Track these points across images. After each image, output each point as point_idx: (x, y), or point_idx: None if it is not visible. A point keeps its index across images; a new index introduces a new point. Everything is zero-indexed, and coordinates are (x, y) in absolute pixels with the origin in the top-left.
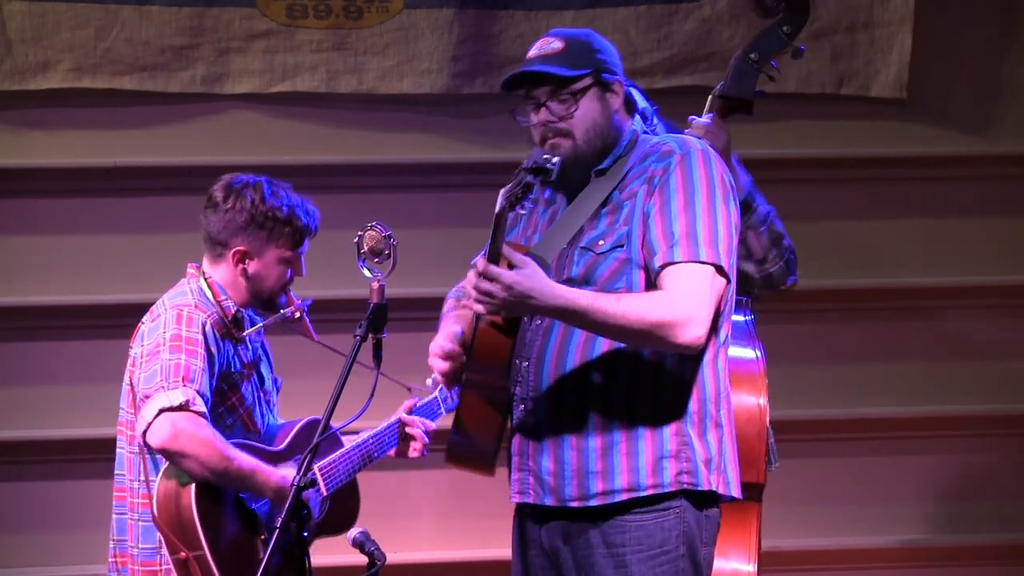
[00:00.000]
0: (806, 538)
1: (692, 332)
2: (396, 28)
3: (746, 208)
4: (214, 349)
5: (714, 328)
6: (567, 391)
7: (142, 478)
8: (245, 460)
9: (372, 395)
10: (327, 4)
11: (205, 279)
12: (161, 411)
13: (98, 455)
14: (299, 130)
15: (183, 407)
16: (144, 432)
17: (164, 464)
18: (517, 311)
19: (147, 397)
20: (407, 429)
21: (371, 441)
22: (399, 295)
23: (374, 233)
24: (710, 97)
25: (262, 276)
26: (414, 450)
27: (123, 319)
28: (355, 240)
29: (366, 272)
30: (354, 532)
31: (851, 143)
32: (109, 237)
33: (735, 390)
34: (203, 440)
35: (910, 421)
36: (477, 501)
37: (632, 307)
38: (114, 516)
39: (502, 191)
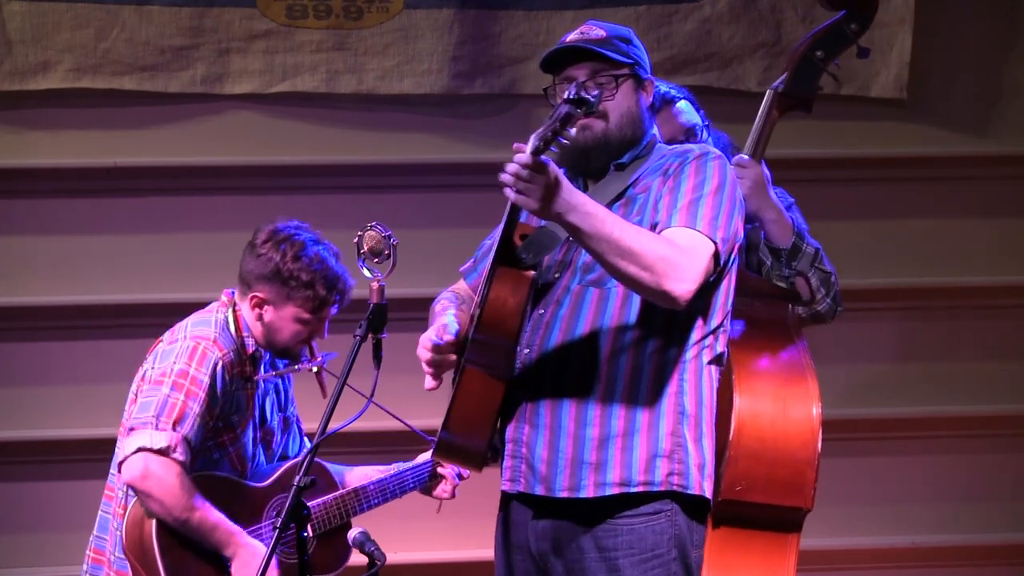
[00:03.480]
0: (811, 538)
1: (684, 284)
2: (396, 28)
3: (795, 251)
4: (219, 391)
5: (714, 332)
6: (570, 380)
7: (127, 490)
8: (210, 514)
9: (372, 395)
10: (327, 4)
11: (234, 311)
12: (140, 449)
13: (97, 455)
14: (299, 130)
15: (163, 452)
16: (120, 463)
17: None
18: (544, 195)
19: (133, 430)
20: (439, 469)
21: (373, 487)
22: (399, 295)
23: (374, 233)
24: (769, 92)
25: (276, 328)
26: (443, 491)
27: (123, 319)
28: (355, 240)
29: (366, 272)
30: (354, 532)
31: (851, 143)
32: (109, 237)
33: (788, 406)
34: (170, 487)
35: (910, 421)
36: (478, 501)
37: (643, 233)
38: (100, 512)
39: (533, 135)
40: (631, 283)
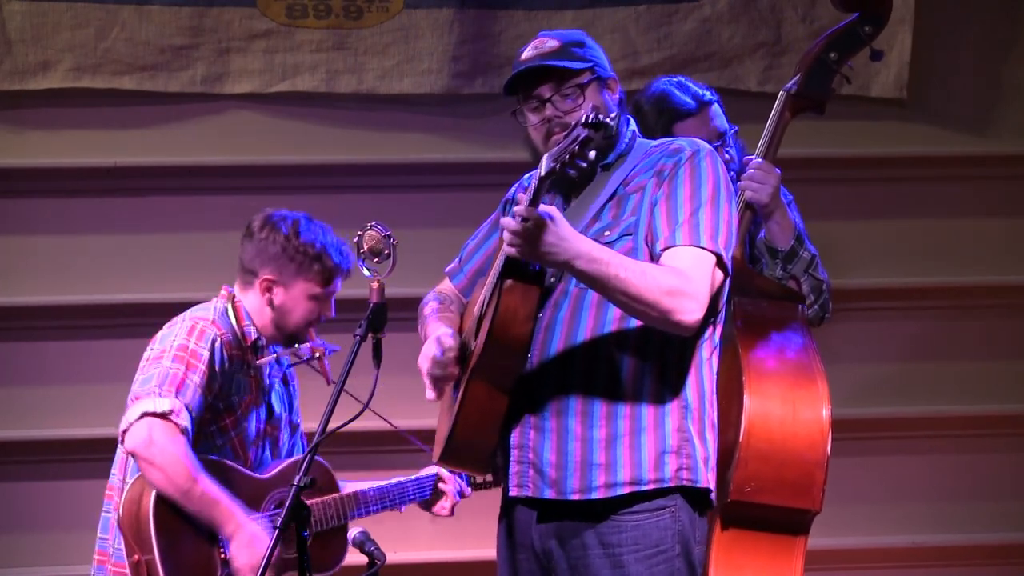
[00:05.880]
0: (811, 537)
1: (693, 312)
2: (396, 28)
3: (792, 255)
4: (217, 367)
5: (712, 324)
6: (573, 382)
7: (128, 479)
8: (211, 488)
9: (371, 396)
10: (327, 4)
11: (233, 303)
12: (144, 415)
13: (95, 455)
14: (299, 130)
15: (165, 415)
16: (124, 431)
17: None
18: (545, 247)
19: (137, 398)
20: (441, 485)
21: (373, 493)
22: (399, 295)
23: (374, 233)
24: (782, 93)
25: (288, 308)
26: (442, 508)
27: (122, 319)
28: (355, 240)
29: (366, 272)
30: (354, 532)
31: (851, 143)
32: (109, 237)
33: (798, 408)
34: (173, 454)
35: (910, 421)
36: (478, 501)
37: (647, 270)
38: (102, 514)
39: (546, 155)
40: (641, 318)
